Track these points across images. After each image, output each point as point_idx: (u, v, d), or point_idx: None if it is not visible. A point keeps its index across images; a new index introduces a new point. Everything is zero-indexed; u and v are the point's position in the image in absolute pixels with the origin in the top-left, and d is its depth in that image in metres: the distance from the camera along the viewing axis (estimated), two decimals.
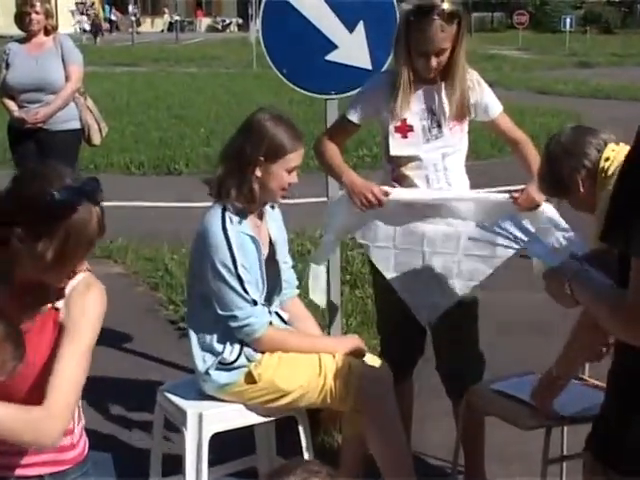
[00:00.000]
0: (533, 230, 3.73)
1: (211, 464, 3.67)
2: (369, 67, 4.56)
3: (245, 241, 3.57)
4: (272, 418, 3.83)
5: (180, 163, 12.04)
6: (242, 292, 3.54)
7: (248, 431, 4.10)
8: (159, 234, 8.31)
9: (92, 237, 2.59)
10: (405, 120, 3.92)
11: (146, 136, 13.80)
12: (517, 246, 3.71)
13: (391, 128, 3.94)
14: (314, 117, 13.39)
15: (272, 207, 3.83)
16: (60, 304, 2.72)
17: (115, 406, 5.04)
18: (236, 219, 3.57)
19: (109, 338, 6.23)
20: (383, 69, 4.48)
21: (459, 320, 4.00)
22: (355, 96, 4.15)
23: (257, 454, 4.14)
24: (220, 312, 3.56)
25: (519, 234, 3.61)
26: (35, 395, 2.64)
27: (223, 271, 3.53)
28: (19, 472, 2.76)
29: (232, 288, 3.54)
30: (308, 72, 4.65)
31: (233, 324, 3.57)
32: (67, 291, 2.73)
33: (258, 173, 3.57)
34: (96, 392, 5.06)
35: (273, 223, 3.81)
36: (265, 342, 3.61)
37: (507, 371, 4.10)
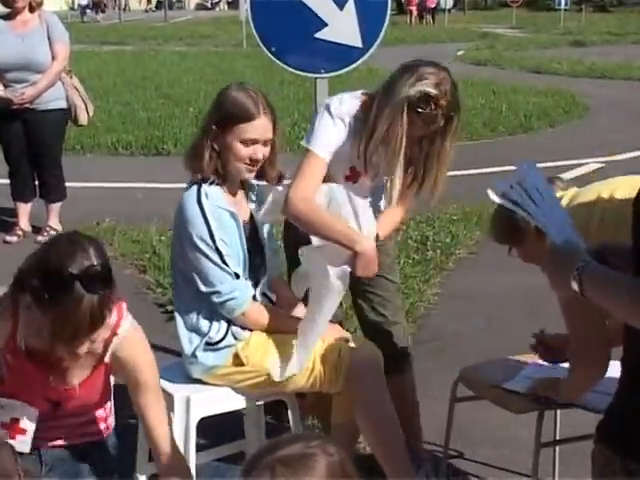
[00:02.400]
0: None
1: (199, 449, 3.67)
2: (359, 45, 4.54)
3: (223, 215, 3.53)
4: (261, 402, 3.82)
5: (168, 143, 12.00)
6: (223, 265, 3.50)
7: (237, 415, 4.10)
8: (147, 216, 8.28)
9: (78, 324, 2.57)
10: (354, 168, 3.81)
11: (134, 116, 13.76)
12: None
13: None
14: (305, 97, 13.38)
15: (252, 187, 3.77)
16: (107, 359, 2.89)
17: None
18: (212, 193, 3.53)
19: None
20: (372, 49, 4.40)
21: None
22: (322, 130, 3.70)
23: (246, 439, 4.13)
24: (203, 288, 3.53)
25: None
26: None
27: (201, 245, 3.50)
28: (53, 443, 2.95)
29: (213, 262, 3.50)
30: (297, 50, 4.63)
31: (216, 299, 3.53)
32: (116, 345, 2.88)
33: (215, 145, 3.53)
34: None
35: (253, 204, 3.78)
36: (249, 317, 3.58)
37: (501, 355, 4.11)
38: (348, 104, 3.68)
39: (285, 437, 2.32)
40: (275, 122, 3.59)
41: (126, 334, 2.90)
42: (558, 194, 3.18)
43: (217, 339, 3.59)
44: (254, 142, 3.52)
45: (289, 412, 3.78)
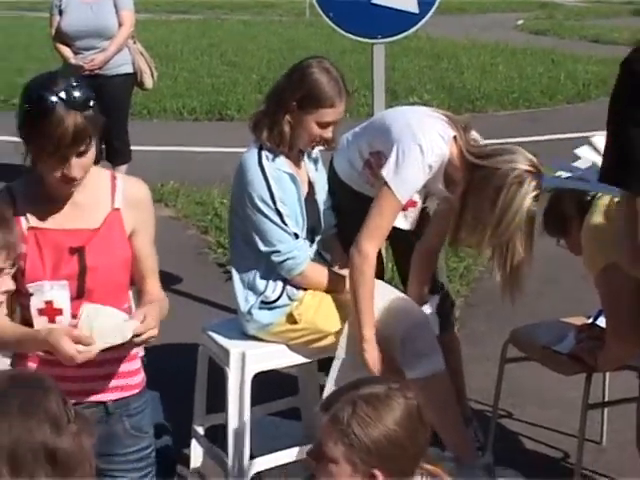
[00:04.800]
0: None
1: (254, 403, 3.67)
2: (416, 11, 4.48)
3: (283, 178, 3.54)
4: (314, 359, 3.83)
5: (232, 109, 11.98)
6: (283, 226, 3.51)
7: (291, 372, 4.12)
8: (210, 179, 8.30)
9: (58, 137, 2.57)
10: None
11: (199, 82, 13.74)
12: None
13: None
14: (365, 65, 13.26)
15: (309, 153, 3.75)
16: (118, 204, 2.79)
17: (160, 345, 5.06)
18: (272, 157, 3.54)
19: (162, 279, 6.26)
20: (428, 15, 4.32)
21: None
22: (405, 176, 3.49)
23: (300, 394, 4.15)
24: (262, 248, 3.54)
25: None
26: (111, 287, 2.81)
27: (262, 206, 3.50)
28: (83, 399, 2.82)
29: (273, 222, 3.51)
30: (354, 16, 4.58)
31: (276, 259, 3.53)
32: (121, 193, 2.81)
33: (289, 118, 3.52)
34: None
35: (312, 165, 3.76)
36: (306, 277, 3.58)
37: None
38: (439, 152, 3.48)
39: (367, 377, 2.37)
40: (348, 102, 3.59)
41: (126, 179, 2.90)
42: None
43: (273, 298, 3.59)
44: (329, 124, 3.53)
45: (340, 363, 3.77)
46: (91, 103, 2.62)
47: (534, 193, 3.37)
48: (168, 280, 6.16)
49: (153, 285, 2.93)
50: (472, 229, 3.45)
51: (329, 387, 3.50)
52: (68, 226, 2.74)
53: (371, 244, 3.45)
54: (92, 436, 2.02)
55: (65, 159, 2.61)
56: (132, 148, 8.26)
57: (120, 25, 7.56)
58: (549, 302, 5.47)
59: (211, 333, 3.79)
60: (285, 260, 3.53)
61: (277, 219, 3.50)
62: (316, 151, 3.77)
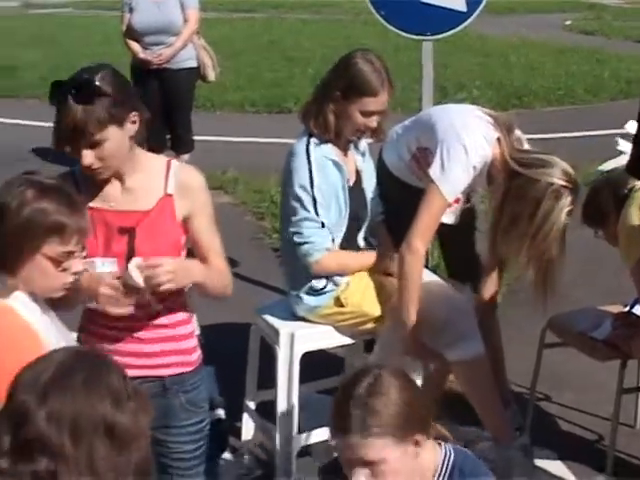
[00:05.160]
0: None
1: (302, 381, 3.66)
2: (464, 9, 4.43)
3: (327, 165, 3.50)
4: (360, 340, 3.81)
5: (290, 102, 11.95)
6: (313, 212, 3.47)
7: (338, 351, 4.10)
8: (267, 167, 8.25)
9: (63, 129, 2.62)
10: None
11: (259, 76, 13.74)
12: None
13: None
14: (415, 62, 13.10)
15: (357, 144, 3.71)
16: (171, 190, 2.78)
17: (215, 324, 5.08)
18: (319, 144, 3.51)
19: None
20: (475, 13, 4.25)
21: None
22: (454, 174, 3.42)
23: (346, 373, 4.12)
24: (290, 229, 3.51)
25: None
26: None
27: (299, 192, 3.48)
28: (142, 373, 2.82)
29: (304, 207, 3.47)
30: (405, 14, 4.56)
31: (296, 239, 3.49)
32: (172, 179, 2.79)
33: (334, 107, 3.48)
34: (199, 309, 5.12)
35: (359, 156, 3.72)
36: (320, 265, 3.51)
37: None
38: (482, 153, 3.42)
39: (348, 379, 2.41)
40: (391, 93, 3.53)
41: (179, 165, 2.87)
42: None
43: (319, 287, 3.56)
44: (372, 114, 3.47)
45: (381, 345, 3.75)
46: (97, 98, 2.60)
47: (569, 208, 3.33)
48: (230, 264, 6.18)
49: (217, 264, 2.89)
50: (508, 235, 3.41)
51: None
52: (121, 208, 2.75)
53: (421, 241, 3.41)
54: (149, 414, 2.01)
55: (76, 149, 2.64)
56: (195, 138, 8.30)
57: (185, 22, 7.62)
58: (586, 290, 5.38)
59: (263, 314, 3.78)
60: (304, 243, 3.48)
61: (310, 205, 3.46)
62: (364, 143, 3.73)
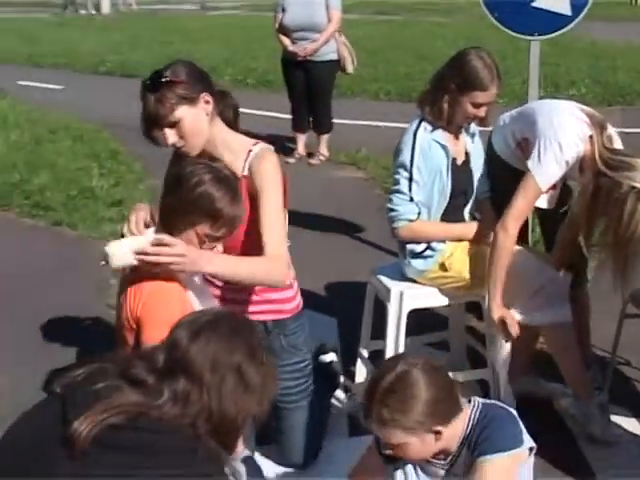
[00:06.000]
0: None
1: (408, 334, 3.60)
2: (569, 13, 4.27)
3: (433, 147, 3.42)
4: (461, 301, 3.72)
5: (419, 93, 11.78)
6: (406, 188, 3.41)
7: (442, 311, 4.03)
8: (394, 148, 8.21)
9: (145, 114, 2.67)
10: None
11: (394, 70, 13.59)
12: None
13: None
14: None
15: (467, 127, 3.59)
16: (245, 172, 2.72)
17: (340, 282, 5.08)
18: (430, 128, 3.44)
19: (345, 227, 6.28)
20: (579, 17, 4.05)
21: None
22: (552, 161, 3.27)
23: (449, 330, 4.05)
24: (388, 197, 3.49)
25: None
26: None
27: (400, 168, 3.44)
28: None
29: (400, 182, 3.43)
30: (516, 16, 4.42)
31: (387, 205, 3.48)
32: (248, 162, 2.74)
33: (448, 98, 3.39)
34: (320, 268, 5.13)
35: (469, 138, 3.61)
36: (399, 234, 3.48)
37: None
38: (575, 149, 3.26)
39: (379, 370, 2.35)
40: (500, 86, 3.41)
41: (259, 149, 2.78)
42: None
43: (418, 251, 3.50)
44: (481, 105, 3.38)
45: (483, 311, 3.65)
46: (166, 85, 2.63)
47: None
48: (353, 229, 6.19)
49: (267, 243, 2.67)
50: (594, 227, 3.28)
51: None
52: None
53: (514, 224, 3.30)
54: (276, 384, 2.08)
55: (160, 133, 2.67)
56: (335, 121, 8.30)
57: (329, 21, 7.63)
58: None
59: (378, 274, 3.73)
60: (391, 210, 3.45)
61: (405, 181, 3.41)
62: (474, 126, 3.63)
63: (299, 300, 3.02)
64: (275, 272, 2.64)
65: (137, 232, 2.60)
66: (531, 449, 2.29)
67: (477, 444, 2.24)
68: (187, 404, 1.91)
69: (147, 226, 2.65)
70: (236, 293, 2.90)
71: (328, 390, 3.52)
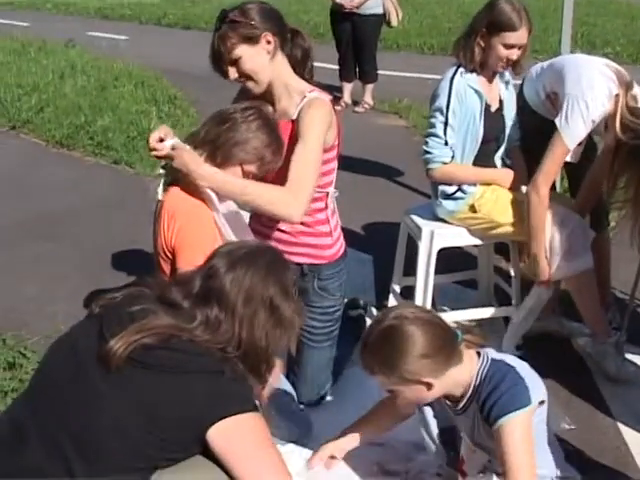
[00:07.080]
0: None
1: (438, 272, 3.52)
2: None
3: (468, 92, 3.29)
4: (490, 242, 3.62)
5: None
6: (442, 131, 3.29)
7: (471, 250, 3.94)
8: None
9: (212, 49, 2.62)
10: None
11: (438, 26, 13.25)
12: None
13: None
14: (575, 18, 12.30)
15: (503, 74, 3.45)
16: (295, 116, 2.64)
17: (376, 222, 5.00)
18: (467, 74, 3.30)
19: (385, 171, 6.17)
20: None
21: None
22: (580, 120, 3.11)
23: (478, 269, 3.96)
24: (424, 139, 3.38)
25: None
26: None
27: (436, 112, 3.31)
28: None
29: (435, 126, 3.31)
30: None
31: (423, 147, 3.37)
32: (299, 107, 2.65)
33: (480, 41, 3.25)
34: (359, 208, 5.05)
35: (503, 85, 3.47)
36: (432, 175, 3.38)
37: None
38: (602, 109, 3.10)
39: (375, 321, 2.22)
40: (530, 31, 3.25)
41: (312, 97, 2.64)
42: None
43: (449, 192, 3.40)
44: (512, 47, 3.23)
45: (510, 253, 3.56)
46: (229, 24, 2.58)
47: None
48: (392, 173, 6.08)
49: (289, 179, 2.53)
50: (617, 184, 3.12)
51: None
52: None
53: (544, 183, 3.18)
54: (302, 317, 2.03)
55: (224, 69, 2.62)
56: (380, 72, 8.15)
57: None
58: None
59: (411, 214, 3.65)
60: (426, 152, 3.34)
61: (441, 125, 3.29)
62: (508, 74, 3.48)
63: (339, 248, 2.91)
64: (281, 204, 2.48)
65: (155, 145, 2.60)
66: (541, 402, 2.19)
67: (488, 408, 2.12)
68: (218, 331, 1.87)
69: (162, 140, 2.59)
70: (274, 231, 2.83)
71: (354, 341, 3.41)
